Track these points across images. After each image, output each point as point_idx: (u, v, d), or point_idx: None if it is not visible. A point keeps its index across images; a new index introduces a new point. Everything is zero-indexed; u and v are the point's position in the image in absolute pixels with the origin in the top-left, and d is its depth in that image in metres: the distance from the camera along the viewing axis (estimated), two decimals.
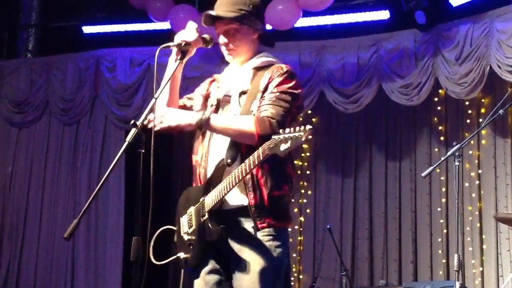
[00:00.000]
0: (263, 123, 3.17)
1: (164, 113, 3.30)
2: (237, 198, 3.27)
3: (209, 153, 3.38)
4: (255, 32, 3.45)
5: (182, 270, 3.40)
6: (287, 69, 3.35)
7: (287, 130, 2.92)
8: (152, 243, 3.35)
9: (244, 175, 3.11)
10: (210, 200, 3.25)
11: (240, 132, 3.22)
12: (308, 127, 2.91)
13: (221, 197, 3.20)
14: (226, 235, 3.25)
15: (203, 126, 3.27)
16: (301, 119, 8.52)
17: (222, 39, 3.43)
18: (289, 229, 3.44)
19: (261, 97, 3.30)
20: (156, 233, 3.39)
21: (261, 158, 3.01)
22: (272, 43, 3.56)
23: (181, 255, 3.33)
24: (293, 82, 3.32)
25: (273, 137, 2.95)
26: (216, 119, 3.28)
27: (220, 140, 3.33)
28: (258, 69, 3.39)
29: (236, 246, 3.26)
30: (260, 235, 3.23)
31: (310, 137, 2.93)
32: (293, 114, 3.27)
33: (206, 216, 3.24)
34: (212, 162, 3.34)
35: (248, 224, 3.26)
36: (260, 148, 3.01)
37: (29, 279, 8.79)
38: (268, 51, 3.55)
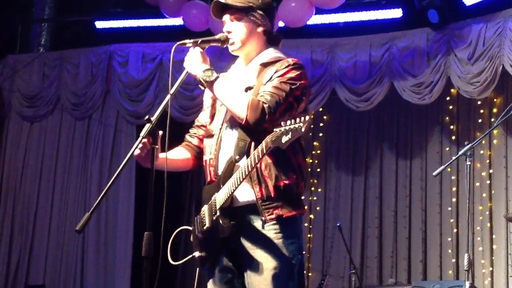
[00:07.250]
0: (256, 109, 3.19)
1: (188, 54, 3.36)
2: (246, 194, 3.29)
3: (220, 150, 3.39)
4: (260, 26, 3.45)
5: (197, 269, 3.41)
6: (294, 62, 3.37)
7: (288, 122, 3.00)
8: (169, 243, 3.39)
9: (250, 169, 3.15)
10: (220, 197, 3.28)
11: (232, 110, 3.29)
12: (307, 117, 2.98)
13: (230, 193, 3.23)
14: (238, 232, 3.27)
15: (205, 86, 3.33)
16: (312, 116, 8.61)
17: (226, 27, 3.46)
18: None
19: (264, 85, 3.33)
20: (174, 234, 3.40)
21: (265, 152, 3.08)
22: (278, 43, 3.54)
23: (196, 254, 3.34)
24: (296, 73, 3.33)
25: (274, 129, 3.02)
26: (219, 86, 3.31)
27: (229, 138, 3.36)
28: (266, 65, 3.40)
29: (248, 245, 3.27)
30: (269, 228, 3.23)
31: (310, 127, 2.95)
32: (288, 103, 3.26)
33: (218, 213, 3.27)
34: (223, 159, 3.37)
35: (258, 223, 3.26)
36: (263, 142, 3.08)
37: (39, 272, 8.81)
38: (279, 47, 3.54)
